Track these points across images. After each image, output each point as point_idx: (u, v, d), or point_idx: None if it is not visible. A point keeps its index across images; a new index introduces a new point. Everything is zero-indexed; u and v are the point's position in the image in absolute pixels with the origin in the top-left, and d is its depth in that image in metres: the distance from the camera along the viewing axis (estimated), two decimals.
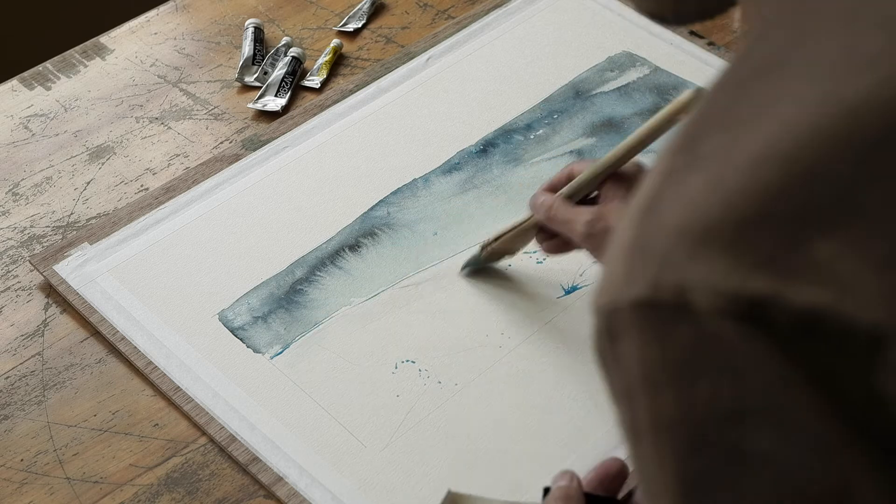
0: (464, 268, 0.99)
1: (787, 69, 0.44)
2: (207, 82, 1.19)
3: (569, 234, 0.89)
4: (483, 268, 0.99)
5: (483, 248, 0.96)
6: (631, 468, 0.46)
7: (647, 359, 0.43)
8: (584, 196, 0.90)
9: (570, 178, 0.91)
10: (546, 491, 0.76)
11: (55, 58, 1.21)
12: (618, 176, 0.89)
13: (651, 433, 0.44)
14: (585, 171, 0.90)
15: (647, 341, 0.43)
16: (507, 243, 0.95)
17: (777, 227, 0.41)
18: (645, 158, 0.91)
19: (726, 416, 0.42)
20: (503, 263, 0.99)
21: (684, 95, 0.88)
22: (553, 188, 0.92)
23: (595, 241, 0.86)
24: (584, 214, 0.87)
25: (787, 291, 0.40)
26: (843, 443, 0.40)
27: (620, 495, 0.78)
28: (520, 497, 0.84)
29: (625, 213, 0.46)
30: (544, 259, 0.99)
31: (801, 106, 0.42)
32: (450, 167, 1.09)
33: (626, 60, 1.19)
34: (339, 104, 1.14)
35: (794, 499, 0.42)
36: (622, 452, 0.87)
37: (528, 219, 0.93)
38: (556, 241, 0.92)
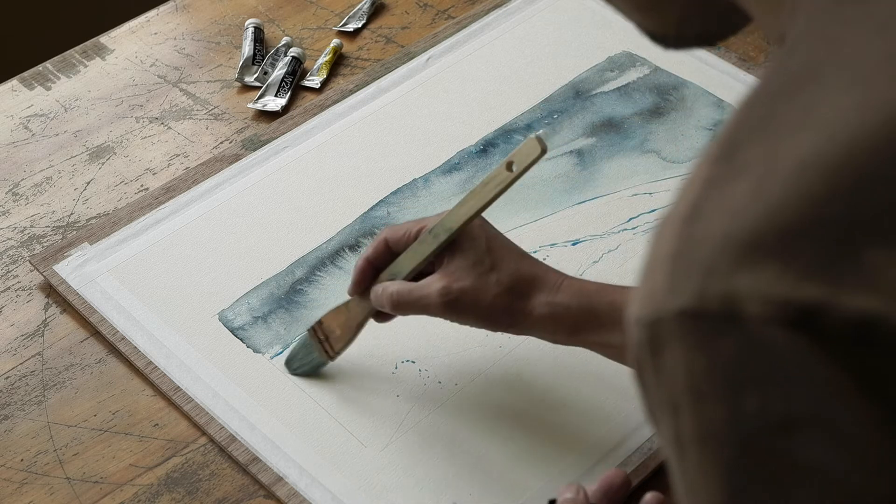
0: (306, 373, 0.92)
1: (824, 77, 0.44)
2: (207, 82, 1.19)
3: (424, 312, 0.85)
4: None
5: (331, 357, 0.90)
6: (674, 483, 0.46)
7: (693, 369, 0.42)
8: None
9: (387, 249, 0.87)
10: (551, 503, 0.76)
11: (55, 58, 1.21)
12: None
13: (697, 445, 0.43)
14: (422, 249, 0.85)
15: (693, 352, 0.42)
16: (351, 343, 0.90)
17: (825, 234, 0.40)
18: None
19: (775, 427, 0.41)
20: None
21: (526, 153, 0.82)
22: (374, 265, 0.87)
23: (455, 307, 0.83)
24: (433, 285, 0.84)
25: (838, 298, 0.39)
26: None
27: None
28: (520, 498, 0.84)
29: (662, 222, 0.45)
30: (545, 259, 0.99)
31: (841, 112, 0.42)
32: (450, 167, 1.09)
33: (626, 60, 1.19)
34: (339, 104, 1.14)
35: None
36: (620, 458, 0.87)
37: (369, 313, 0.88)
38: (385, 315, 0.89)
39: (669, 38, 0.60)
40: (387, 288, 0.86)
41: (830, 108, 0.42)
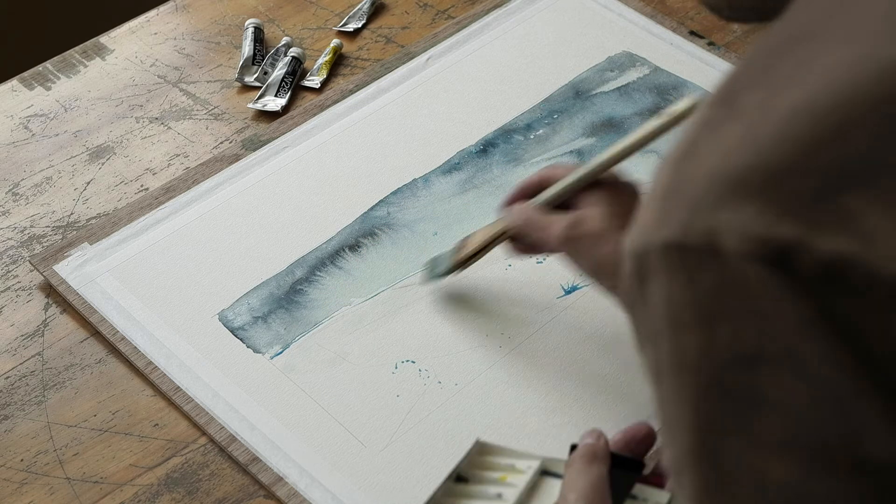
0: (432, 279, 0.96)
1: (828, 32, 0.45)
2: (207, 82, 1.19)
3: (545, 239, 0.87)
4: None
5: (456, 265, 0.94)
6: (655, 411, 0.48)
7: (673, 300, 0.44)
8: (558, 204, 0.89)
9: (541, 184, 0.90)
10: (573, 448, 0.76)
11: (55, 58, 1.21)
12: (595, 183, 0.88)
13: (673, 373, 0.45)
14: (566, 179, 0.88)
15: (675, 283, 0.44)
16: (480, 256, 0.94)
17: (807, 178, 0.42)
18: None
19: (745, 359, 0.43)
20: (504, 263, 0.99)
21: (679, 105, 0.85)
22: (524, 193, 0.90)
23: (574, 246, 0.85)
24: (561, 220, 0.86)
25: (813, 239, 0.41)
26: (857, 391, 0.42)
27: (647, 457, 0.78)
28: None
29: (662, 161, 0.47)
30: (544, 259, 0.99)
31: (838, 66, 0.44)
32: (450, 167, 1.09)
33: (626, 60, 1.19)
34: (339, 104, 1.14)
35: (805, 442, 0.43)
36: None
37: (501, 231, 0.91)
38: (525, 244, 0.91)
39: (723, 8, 0.61)
40: (522, 206, 0.89)
41: (827, 61, 0.44)
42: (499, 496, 0.72)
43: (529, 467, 0.75)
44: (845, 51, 0.44)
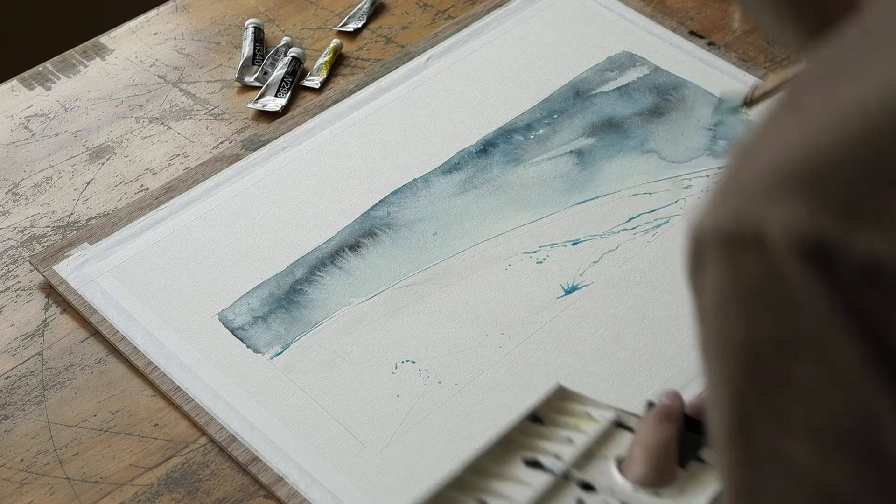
0: (726, 113, 1.04)
1: (889, 34, 0.47)
2: (207, 82, 1.19)
3: None
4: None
5: (754, 100, 1.00)
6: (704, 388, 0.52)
7: (721, 286, 0.47)
8: None
9: None
10: (650, 405, 0.77)
11: (55, 58, 1.21)
12: None
13: (716, 354, 0.48)
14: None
15: (724, 270, 0.46)
16: (775, 94, 1.00)
17: (853, 177, 0.44)
18: None
19: (779, 347, 0.45)
20: (504, 263, 0.99)
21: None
22: None
23: None
24: None
25: (852, 237, 0.43)
26: (879, 386, 0.44)
27: None
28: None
29: (735, 149, 0.50)
30: (544, 259, 0.99)
31: (892, 67, 0.46)
32: (450, 167, 1.09)
33: (626, 60, 1.19)
34: (339, 104, 1.15)
35: (828, 429, 0.45)
36: None
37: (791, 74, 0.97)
38: None
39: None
40: None
41: (885, 62, 0.46)
42: (569, 440, 0.73)
43: (604, 417, 0.76)
44: None
